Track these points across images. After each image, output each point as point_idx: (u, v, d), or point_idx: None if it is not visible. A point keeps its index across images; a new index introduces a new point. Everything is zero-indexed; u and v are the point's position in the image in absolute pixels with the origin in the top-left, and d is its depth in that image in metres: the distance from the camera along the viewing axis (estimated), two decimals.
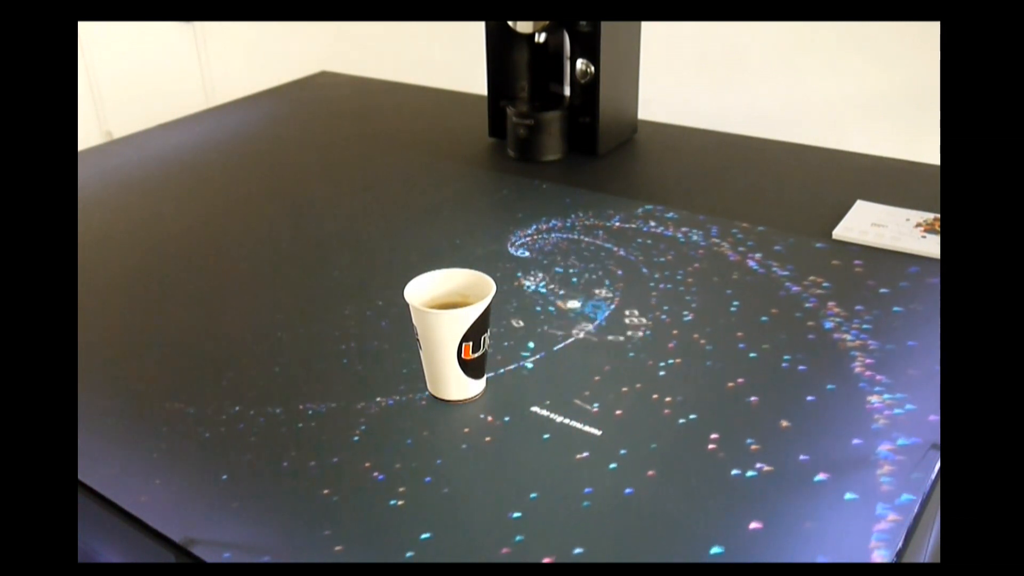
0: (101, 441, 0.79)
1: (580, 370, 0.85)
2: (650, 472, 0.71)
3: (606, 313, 0.95)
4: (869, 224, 1.12)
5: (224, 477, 0.74)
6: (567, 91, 1.43)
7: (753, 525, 0.65)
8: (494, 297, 0.79)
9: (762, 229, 1.13)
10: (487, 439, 0.77)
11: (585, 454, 0.74)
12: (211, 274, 1.09)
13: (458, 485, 0.72)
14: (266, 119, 1.67)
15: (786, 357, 0.86)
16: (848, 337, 0.89)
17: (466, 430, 0.78)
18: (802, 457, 0.73)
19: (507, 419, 0.79)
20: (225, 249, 1.16)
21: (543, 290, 1.01)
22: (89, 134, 3.28)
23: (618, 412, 0.79)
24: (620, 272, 1.04)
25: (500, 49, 1.42)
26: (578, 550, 0.64)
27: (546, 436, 0.76)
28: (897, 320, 0.92)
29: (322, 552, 0.66)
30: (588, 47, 1.33)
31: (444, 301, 0.81)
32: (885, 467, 0.71)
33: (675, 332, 0.92)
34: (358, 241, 1.16)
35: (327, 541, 0.67)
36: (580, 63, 1.34)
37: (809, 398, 0.80)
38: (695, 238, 1.12)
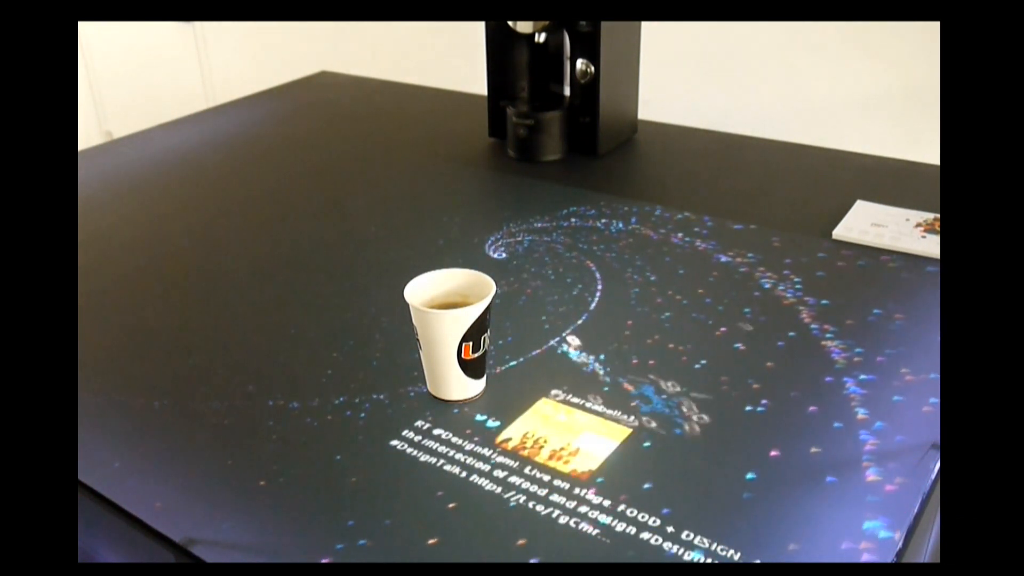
0: (101, 441, 0.79)
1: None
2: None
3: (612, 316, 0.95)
4: (869, 224, 1.12)
5: (224, 476, 0.74)
6: (567, 91, 1.43)
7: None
8: (494, 297, 0.79)
9: (761, 229, 1.13)
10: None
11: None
12: (211, 274, 1.09)
13: (459, 486, 0.72)
14: (266, 119, 1.67)
15: (779, 342, 0.86)
16: (848, 337, 0.89)
17: (468, 431, 0.78)
18: (813, 449, 0.73)
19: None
20: (225, 249, 1.16)
21: (539, 289, 1.01)
22: (89, 134, 3.28)
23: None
24: (619, 273, 1.04)
25: (500, 49, 1.42)
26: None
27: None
28: (897, 320, 0.92)
29: (323, 552, 0.66)
30: (588, 47, 1.33)
31: (444, 301, 0.81)
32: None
33: (657, 337, 0.92)
34: (358, 241, 1.16)
35: (328, 541, 0.67)
36: (580, 63, 1.34)
37: (811, 408, 0.80)
38: (694, 238, 1.12)
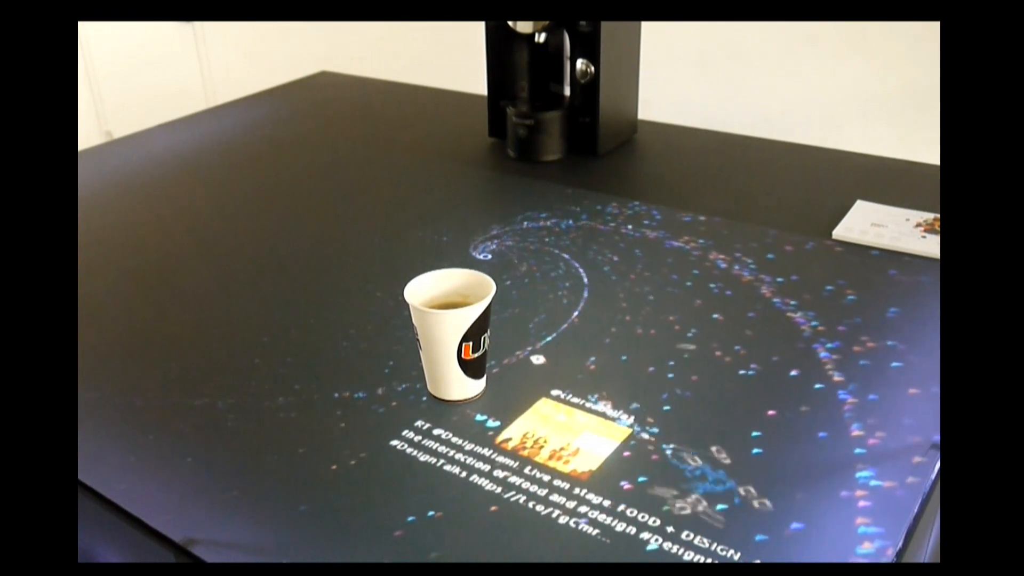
0: (101, 441, 0.79)
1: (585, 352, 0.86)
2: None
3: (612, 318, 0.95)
4: (869, 224, 1.12)
5: (224, 477, 0.74)
6: (567, 91, 1.43)
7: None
8: (493, 297, 0.79)
9: (760, 229, 1.13)
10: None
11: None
12: (211, 274, 1.09)
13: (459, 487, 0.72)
14: (266, 119, 1.67)
15: (774, 359, 0.87)
16: (848, 337, 0.89)
17: (468, 431, 0.78)
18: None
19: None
20: (225, 249, 1.16)
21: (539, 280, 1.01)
22: (89, 134, 3.28)
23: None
24: (618, 272, 1.04)
25: (500, 49, 1.42)
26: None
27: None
28: (896, 320, 0.92)
29: (323, 552, 0.66)
30: (588, 47, 1.33)
31: (444, 301, 0.81)
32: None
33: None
34: (358, 241, 1.16)
35: (327, 541, 0.67)
36: (580, 63, 1.34)
37: (803, 407, 0.81)
38: (693, 238, 1.12)
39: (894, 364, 0.85)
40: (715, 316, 0.94)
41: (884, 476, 0.71)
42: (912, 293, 0.97)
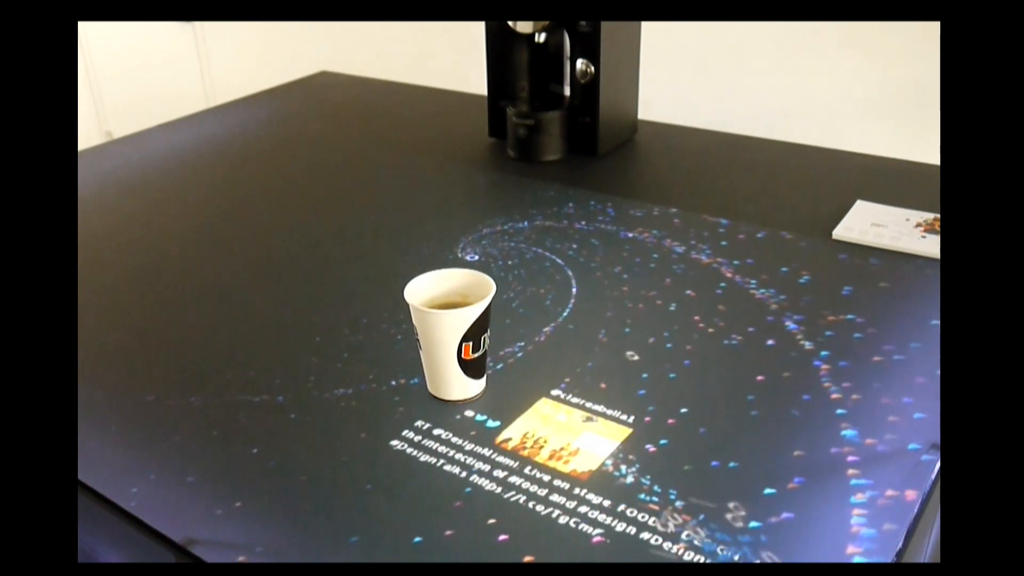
0: (101, 441, 0.79)
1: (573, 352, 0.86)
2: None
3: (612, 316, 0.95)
4: (869, 224, 1.12)
5: (225, 477, 0.74)
6: (567, 91, 1.43)
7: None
8: (493, 297, 0.79)
9: (760, 229, 1.13)
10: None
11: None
12: (210, 274, 1.09)
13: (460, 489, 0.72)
14: (266, 119, 1.67)
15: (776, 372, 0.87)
16: (847, 338, 0.90)
17: (468, 431, 0.78)
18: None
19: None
20: (225, 249, 1.16)
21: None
22: (89, 134, 3.28)
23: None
24: (619, 272, 1.04)
25: (500, 49, 1.42)
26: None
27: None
28: (896, 320, 0.92)
29: (322, 551, 0.66)
30: (588, 47, 1.33)
31: (444, 301, 0.81)
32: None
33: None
34: (357, 241, 1.16)
35: (327, 541, 0.67)
36: (580, 63, 1.34)
37: (806, 396, 0.81)
38: (693, 237, 1.12)
39: (889, 353, 0.86)
40: (716, 317, 0.94)
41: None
42: (904, 282, 0.98)
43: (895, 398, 0.80)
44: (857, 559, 0.63)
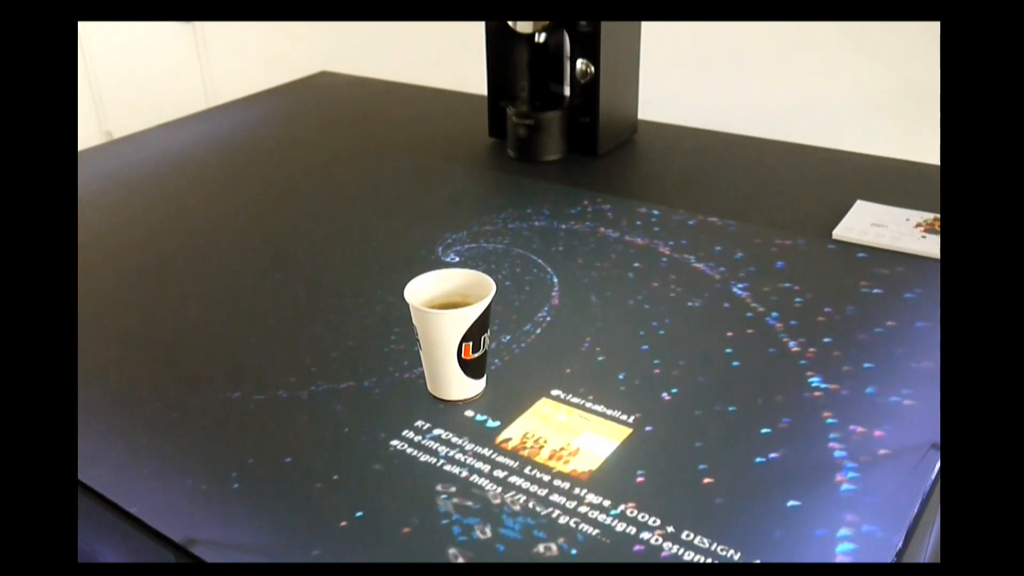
0: (101, 441, 0.79)
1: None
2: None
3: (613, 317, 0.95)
4: (869, 224, 1.12)
5: (225, 477, 0.74)
6: (567, 91, 1.43)
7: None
8: (494, 297, 0.79)
9: (760, 229, 1.13)
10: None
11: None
12: (210, 274, 1.09)
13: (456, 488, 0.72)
14: (266, 119, 1.67)
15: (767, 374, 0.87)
16: (847, 338, 0.90)
17: (468, 431, 0.78)
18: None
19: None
20: (225, 249, 1.16)
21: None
22: (89, 134, 3.28)
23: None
24: (618, 272, 1.04)
25: (500, 49, 1.42)
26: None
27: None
28: (896, 320, 0.92)
29: (324, 551, 0.66)
30: (588, 47, 1.33)
31: (444, 301, 0.81)
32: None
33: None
34: (357, 241, 1.16)
35: (327, 540, 0.67)
36: (580, 63, 1.34)
37: (806, 394, 0.81)
38: (692, 237, 1.12)
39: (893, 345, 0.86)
40: (716, 317, 0.94)
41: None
42: (905, 288, 0.98)
43: (896, 399, 0.80)
44: (851, 547, 0.63)
